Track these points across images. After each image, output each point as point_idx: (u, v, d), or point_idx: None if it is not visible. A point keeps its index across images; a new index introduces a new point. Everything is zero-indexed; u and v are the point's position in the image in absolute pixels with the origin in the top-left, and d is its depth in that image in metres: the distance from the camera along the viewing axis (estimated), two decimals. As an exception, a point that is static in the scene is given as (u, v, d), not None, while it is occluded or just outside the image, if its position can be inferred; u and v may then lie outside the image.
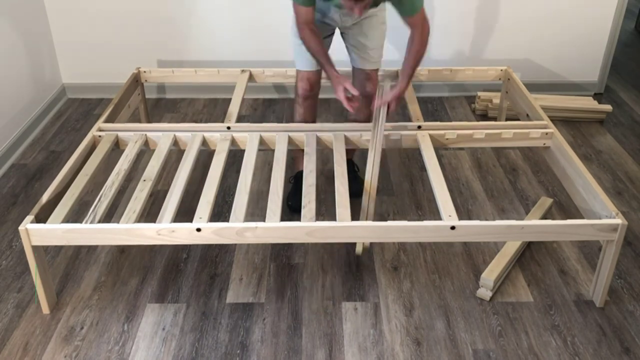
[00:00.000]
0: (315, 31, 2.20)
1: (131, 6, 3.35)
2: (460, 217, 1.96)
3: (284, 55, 3.46)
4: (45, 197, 2.03)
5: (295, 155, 2.60)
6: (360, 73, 2.43)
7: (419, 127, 2.45)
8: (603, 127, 3.26)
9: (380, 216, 2.50)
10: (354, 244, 2.32)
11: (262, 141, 2.40)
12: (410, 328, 1.97)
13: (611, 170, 2.86)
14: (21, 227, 1.87)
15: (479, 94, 3.40)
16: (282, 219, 1.96)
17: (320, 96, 3.56)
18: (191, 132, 2.43)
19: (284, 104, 3.54)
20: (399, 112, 3.46)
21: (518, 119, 2.81)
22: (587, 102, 3.37)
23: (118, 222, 1.92)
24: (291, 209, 2.50)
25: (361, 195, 2.13)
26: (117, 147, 2.43)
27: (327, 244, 2.32)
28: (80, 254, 2.29)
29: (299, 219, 1.95)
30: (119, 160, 2.27)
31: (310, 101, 2.45)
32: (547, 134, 2.41)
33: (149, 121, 3.12)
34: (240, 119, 3.01)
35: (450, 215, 1.95)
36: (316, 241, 1.98)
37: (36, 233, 1.88)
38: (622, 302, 2.08)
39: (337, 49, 2.42)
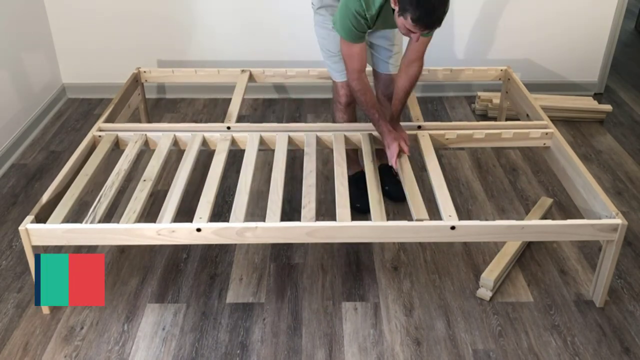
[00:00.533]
0: (367, 81, 2.20)
1: (131, 6, 3.35)
2: (460, 217, 1.96)
3: (284, 55, 3.47)
4: (45, 197, 2.03)
5: (351, 156, 2.58)
6: (385, 76, 2.46)
7: (419, 127, 2.45)
8: (603, 127, 3.26)
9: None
10: (353, 244, 2.32)
11: (262, 141, 2.40)
12: (410, 328, 1.97)
13: (611, 170, 2.86)
14: (21, 227, 1.87)
15: (479, 94, 3.40)
16: (282, 219, 1.96)
17: (320, 96, 3.59)
18: (191, 132, 2.43)
19: (284, 104, 3.54)
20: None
21: (518, 119, 2.81)
22: (587, 102, 3.37)
23: (118, 222, 1.92)
24: (359, 211, 2.42)
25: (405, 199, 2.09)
26: (117, 147, 2.43)
27: (327, 244, 2.32)
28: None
29: (299, 219, 1.95)
30: (119, 160, 2.27)
31: (352, 106, 2.49)
32: (547, 134, 2.41)
33: (149, 121, 3.12)
34: (240, 119, 3.01)
35: (450, 215, 1.95)
36: (316, 241, 1.98)
37: (36, 233, 1.88)
38: (622, 302, 2.08)
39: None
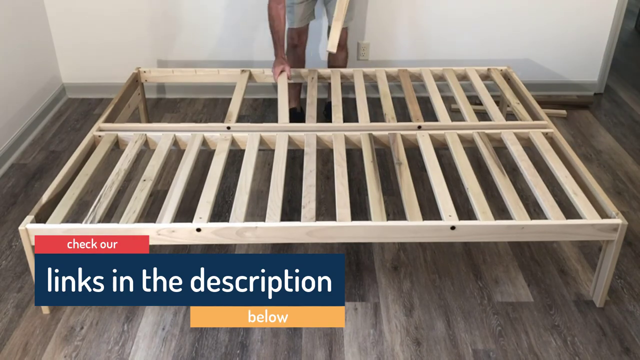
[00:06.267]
0: (283, 14, 2.77)
1: (131, 6, 3.35)
2: (460, 217, 1.96)
3: (284, 55, 3.46)
4: (45, 197, 2.03)
5: (291, 91, 3.15)
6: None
7: (419, 127, 2.45)
8: (603, 127, 3.26)
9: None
10: (353, 244, 2.32)
11: (262, 141, 2.39)
12: (410, 328, 1.97)
13: (611, 170, 2.86)
14: (21, 227, 1.87)
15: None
16: (282, 219, 1.96)
17: (320, 96, 3.58)
18: (191, 132, 2.43)
19: (284, 104, 3.53)
20: (399, 112, 3.46)
21: (518, 119, 2.80)
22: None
23: (118, 222, 1.92)
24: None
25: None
26: (117, 147, 2.43)
27: (327, 244, 2.32)
28: (80, 254, 2.29)
29: (299, 219, 1.95)
30: (119, 160, 2.27)
31: (299, 49, 3.11)
32: (547, 134, 2.41)
33: (148, 121, 3.11)
34: (240, 119, 3.00)
35: (450, 215, 1.95)
36: (316, 241, 1.98)
37: (36, 233, 1.88)
38: (622, 302, 2.08)
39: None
